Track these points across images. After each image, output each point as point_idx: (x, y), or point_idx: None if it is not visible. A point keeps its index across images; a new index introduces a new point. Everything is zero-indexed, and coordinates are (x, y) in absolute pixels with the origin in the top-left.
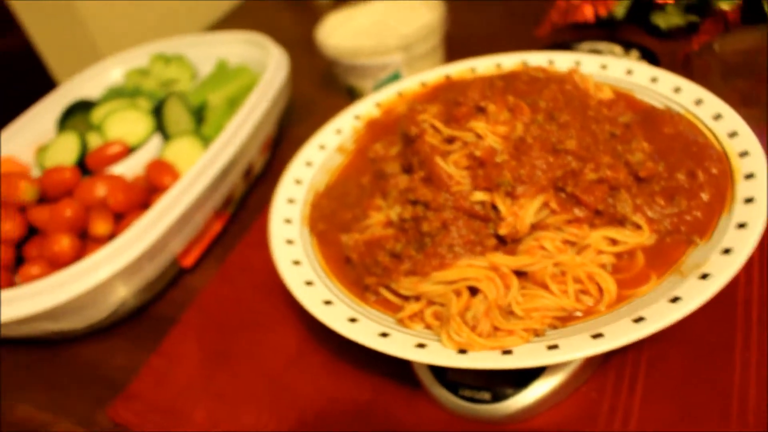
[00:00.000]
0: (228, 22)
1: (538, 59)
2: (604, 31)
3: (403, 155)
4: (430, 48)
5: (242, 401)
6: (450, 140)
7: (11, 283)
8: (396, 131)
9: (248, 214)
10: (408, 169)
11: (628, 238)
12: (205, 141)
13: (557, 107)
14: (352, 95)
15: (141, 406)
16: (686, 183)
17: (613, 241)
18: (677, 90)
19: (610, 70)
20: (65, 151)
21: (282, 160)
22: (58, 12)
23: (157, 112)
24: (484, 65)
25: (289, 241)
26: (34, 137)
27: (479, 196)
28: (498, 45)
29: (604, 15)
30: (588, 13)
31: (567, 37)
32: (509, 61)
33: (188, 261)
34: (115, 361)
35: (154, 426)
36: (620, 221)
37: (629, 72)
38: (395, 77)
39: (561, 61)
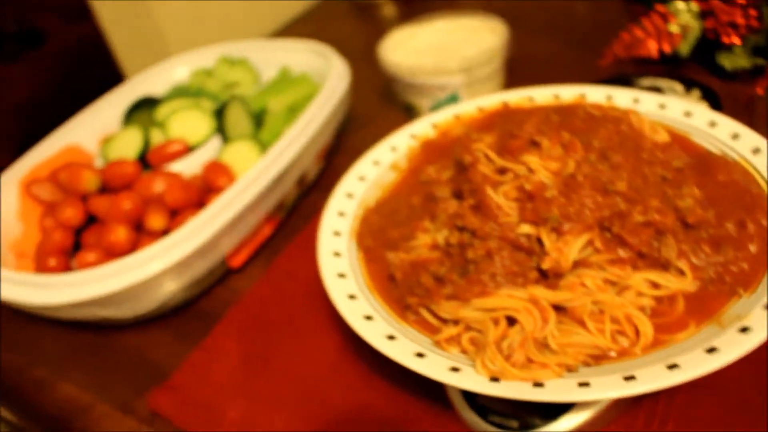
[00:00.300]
0: (293, 29)
1: (596, 94)
2: (667, 67)
3: (454, 181)
4: (490, 71)
5: (276, 404)
6: (502, 171)
7: (68, 267)
8: (450, 155)
9: (298, 221)
10: (458, 195)
11: (671, 282)
12: (263, 146)
13: (611, 147)
14: (409, 112)
15: (179, 397)
16: (735, 233)
17: (655, 285)
18: (735, 136)
19: (668, 110)
20: (128, 145)
21: (336, 170)
22: (132, 7)
23: (219, 114)
24: (543, 95)
25: (336, 254)
26: (99, 128)
27: (526, 228)
28: (559, 73)
29: (668, 52)
30: (652, 48)
31: (629, 71)
32: (568, 93)
33: (236, 261)
34: (158, 352)
35: (189, 418)
36: (664, 265)
37: (688, 114)
38: (453, 98)
39: (620, 97)
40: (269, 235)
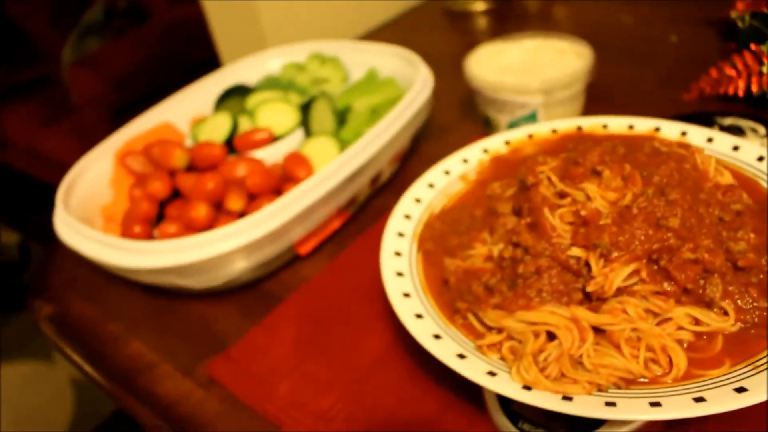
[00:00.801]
0: (384, 32)
1: (671, 128)
2: (753, 107)
3: (516, 199)
4: (570, 95)
5: (324, 386)
6: (561, 195)
7: (150, 235)
8: (516, 173)
9: (367, 218)
10: (517, 213)
11: (712, 321)
12: (343, 143)
13: (670, 184)
14: (487, 125)
15: (236, 368)
16: None
17: (696, 321)
18: None
19: (741, 152)
20: (218, 128)
21: (408, 173)
22: None
23: (305, 109)
24: (617, 124)
25: (398, 253)
26: (192, 109)
27: (576, 251)
28: (640, 102)
29: (756, 92)
30: (740, 87)
31: (712, 108)
32: (643, 125)
33: (304, 249)
34: (221, 324)
35: (243, 388)
36: (707, 303)
37: (760, 159)
38: (532, 117)
39: (694, 134)
40: (338, 227)
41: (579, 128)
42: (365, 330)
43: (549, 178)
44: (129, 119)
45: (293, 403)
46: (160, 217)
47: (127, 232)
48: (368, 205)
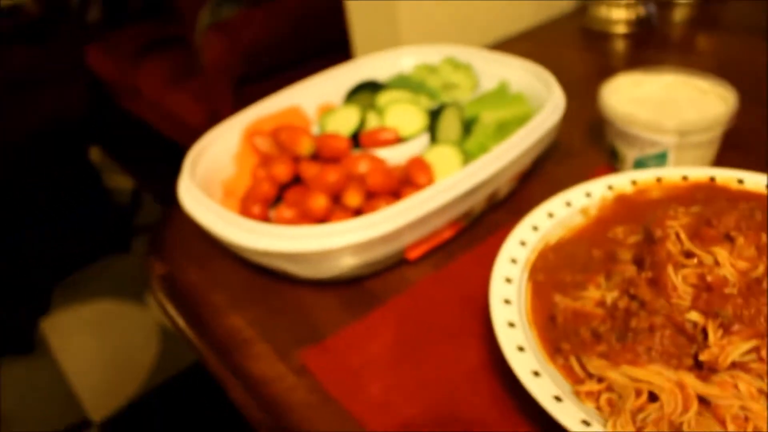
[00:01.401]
0: (516, 43)
1: None
2: None
3: (639, 248)
4: (707, 140)
5: (414, 395)
6: (688, 255)
7: (266, 216)
8: (641, 218)
9: (478, 232)
10: (639, 263)
11: None
12: (465, 155)
13: None
14: (613, 157)
15: (330, 360)
16: None
17: None
18: None
19: None
20: (346, 121)
21: (526, 194)
22: None
23: (434, 115)
24: (754, 181)
25: (508, 280)
26: (321, 96)
27: (694, 316)
28: None
29: None
30: None
31: None
32: None
33: (413, 254)
34: (322, 314)
35: (334, 381)
36: None
37: None
38: (661, 156)
39: None
40: (449, 237)
41: (712, 179)
42: (462, 345)
43: (678, 235)
44: (251, 90)
45: (381, 405)
46: (278, 199)
47: (245, 211)
48: (482, 220)
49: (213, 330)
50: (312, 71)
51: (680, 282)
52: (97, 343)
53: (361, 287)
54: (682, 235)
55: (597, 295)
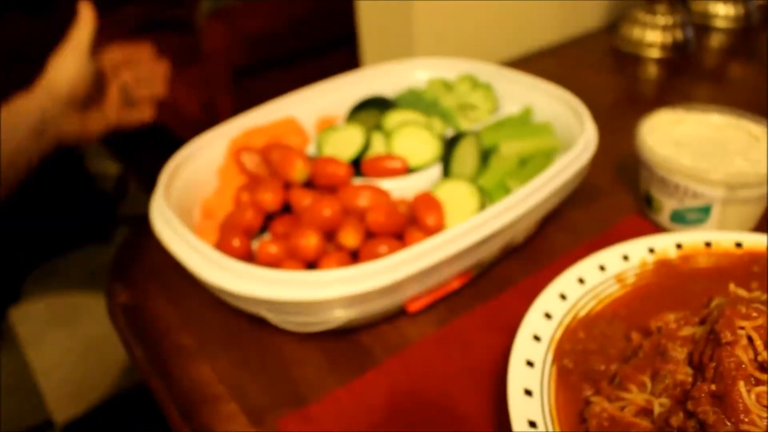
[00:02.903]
0: (540, 60)
1: None
2: None
3: (698, 347)
4: (759, 195)
5: None
6: (764, 367)
7: (248, 249)
8: (688, 295)
9: (488, 284)
10: (696, 367)
11: None
12: (480, 193)
13: None
14: (647, 204)
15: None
16: None
17: None
18: None
19: None
20: (347, 143)
21: (544, 240)
22: None
23: (449, 144)
24: None
25: (529, 363)
26: (321, 107)
27: None
28: None
29: None
30: None
31: None
32: None
33: (414, 307)
34: (305, 370)
35: None
36: None
37: None
38: (704, 210)
39: None
40: (455, 289)
41: None
42: (466, 427)
43: (750, 339)
44: (249, 83)
45: None
46: (263, 229)
47: (224, 242)
48: (492, 269)
49: (178, 380)
50: (315, 69)
51: (753, 402)
52: (68, 338)
53: (352, 341)
54: (757, 343)
55: (640, 399)
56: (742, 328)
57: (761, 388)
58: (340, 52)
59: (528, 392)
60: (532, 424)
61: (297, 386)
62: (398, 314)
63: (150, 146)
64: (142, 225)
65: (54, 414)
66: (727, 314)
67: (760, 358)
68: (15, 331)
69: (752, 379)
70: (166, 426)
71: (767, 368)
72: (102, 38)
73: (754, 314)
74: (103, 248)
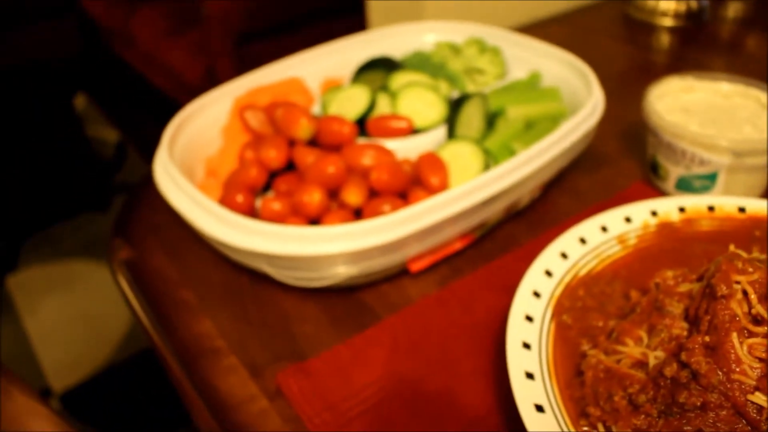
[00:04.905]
0: (551, 26)
1: None
2: None
3: (694, 302)
4: (765, 163)
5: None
6: (757, 320)
7: (251, 206)
8: (689, 256)
9: (491, 245)
10: (692, 321)
11: None
12: (486, 155)
13: None
14: (653, 171)
15: (310, 385)
16: None
17: None
18: None
19: None
20: (352, 103)
21: (549, 203)
22: None
23: (455, 105)
24: None
25: (529, 318)
26: (326, 68)
27: (760, 399)
28: None
29: None
30: None
31: None
32: None
33: (416, 267)
34: (305, 326)
35: (313, 411)
36: None
37: None
38: (710, 178)
39: None
40: (458, 250)
41: None
42: (466, 383)
43: (745, 293)
44: (252, 48)
45: None
46: (267, 187)
47: (228, 198)
48: (496, 232)
49: (179, 333)
50: (321, 35)
51: (745, 354)
52: (66, 306)
53: (354, 299)
54: (752, 296)
55: (636, 352)
56: (738, 282)
57: (754, 340)
58: (345, 19)
59: (526, 345)
60: (530, 375)
61: (297, 342)
62: (400, 274)
63: (150, 113)
64: (144, 184)
65: (52, 382)
66: (723, 269)
67: (753, 312)
68: (12, 299)
69: (745, 331)
70: (163, 393)
71: (761, 321)
72: (101, 2)
73: (750, 269)
74: (101, 217)
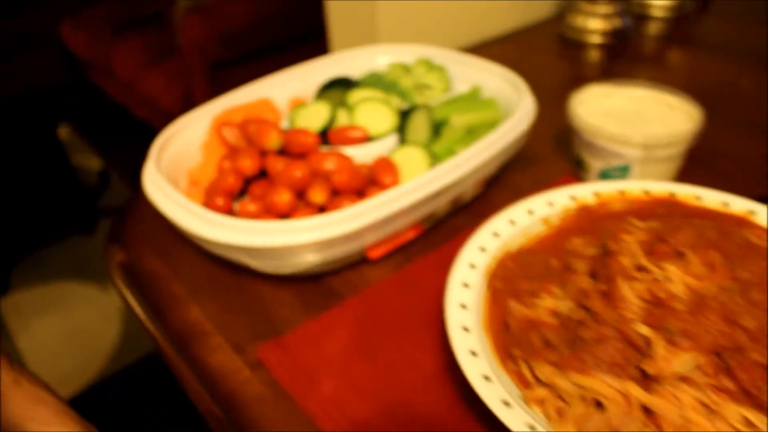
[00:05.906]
0: (492, 46)
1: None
2: None
3: (595, 261)
4: (671, 155)
5: (367, 395)
6: (641, 269)
7: (230, 209)
8: (600, 231)
9: (440, 235)
10: (593, 276)
11: (765, 426)
12: (433, 158)
13: (758, 284)
14: (579, 166)
15: (285, 356)
16: None
17: (749, 423)
18: None
19: None
20: (316, 117)
21: (490, 199)
22: None
23: (404, 116)
24: (712, 199)
25: (465, 285)
26: (293, 89)
27: (643, 329)
28: (743, 175)
29: None
30: None
31: None
32: (739, 205)
33: (374, 254)
34: (280, 309)
35: (288, 377)
36: (765, 408)
37: None
38: (625, 169)
39: None
40: (411, 239)
41: (672, 194)
42: (418, 348)
43: (631, 249)
44: (226, 75)
45: (334, 404)
46: (243, 192)
47: (209, 202)
48: (445, 223)
49: (171, 321)
50: (289, 60)
51: (631, 295)
52: (57, 325)
53: (321, 284)
54: (636, 251)
55: (551, 303)
56: (626, 242)
57: (638, 284)
58: (310, 46)
59: (463, 306)
60: (466, 329)
61: (274, 322)
62: (361, 261)
63: (131, 140)
64: (132, 200)
65: None
66: (615, 230)
67: (638, 263)
68: (5, 321)
69: (631, 278)
70: (152, 410)
71: (644, 270)
72: (80, 36)
73: (637, 230)
74: (87, 240)
